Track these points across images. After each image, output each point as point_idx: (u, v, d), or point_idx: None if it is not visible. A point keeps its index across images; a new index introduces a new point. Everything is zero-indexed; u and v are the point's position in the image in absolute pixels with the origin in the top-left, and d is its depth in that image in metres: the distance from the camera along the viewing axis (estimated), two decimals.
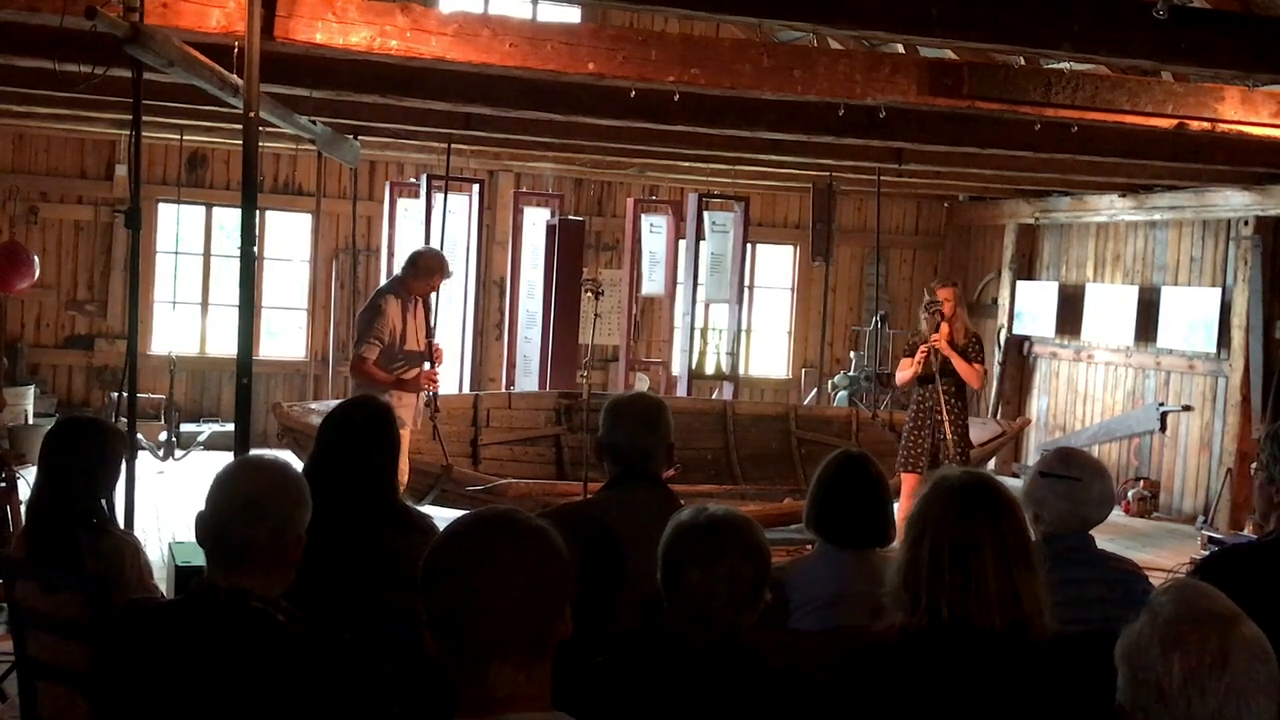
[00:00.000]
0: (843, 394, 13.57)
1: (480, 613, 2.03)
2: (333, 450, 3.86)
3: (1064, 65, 7.33)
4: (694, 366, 12.74)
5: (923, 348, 8.67)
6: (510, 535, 2.09)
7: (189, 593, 2.70)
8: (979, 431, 11.35)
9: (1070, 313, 13.55)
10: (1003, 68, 7.39)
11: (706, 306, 13.26)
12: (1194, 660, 1.96)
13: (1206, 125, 7.14)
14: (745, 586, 2.59)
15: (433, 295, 8.50)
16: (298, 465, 3.23)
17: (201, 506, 2.71)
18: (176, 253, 12.87)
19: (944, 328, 8.66)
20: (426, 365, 8.23)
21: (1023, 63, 8.04)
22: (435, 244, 10.27)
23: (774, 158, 10.63)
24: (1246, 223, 11.41)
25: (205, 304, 13.48)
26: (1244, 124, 7.18)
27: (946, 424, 8.61)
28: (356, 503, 3.75)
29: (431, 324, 8.42)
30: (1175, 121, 7.06)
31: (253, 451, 4.10)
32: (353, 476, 3.79)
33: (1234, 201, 11.28)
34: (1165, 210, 12.19)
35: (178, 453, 11.39)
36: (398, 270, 8.63)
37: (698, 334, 12.94)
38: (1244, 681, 1.94)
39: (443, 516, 7.81)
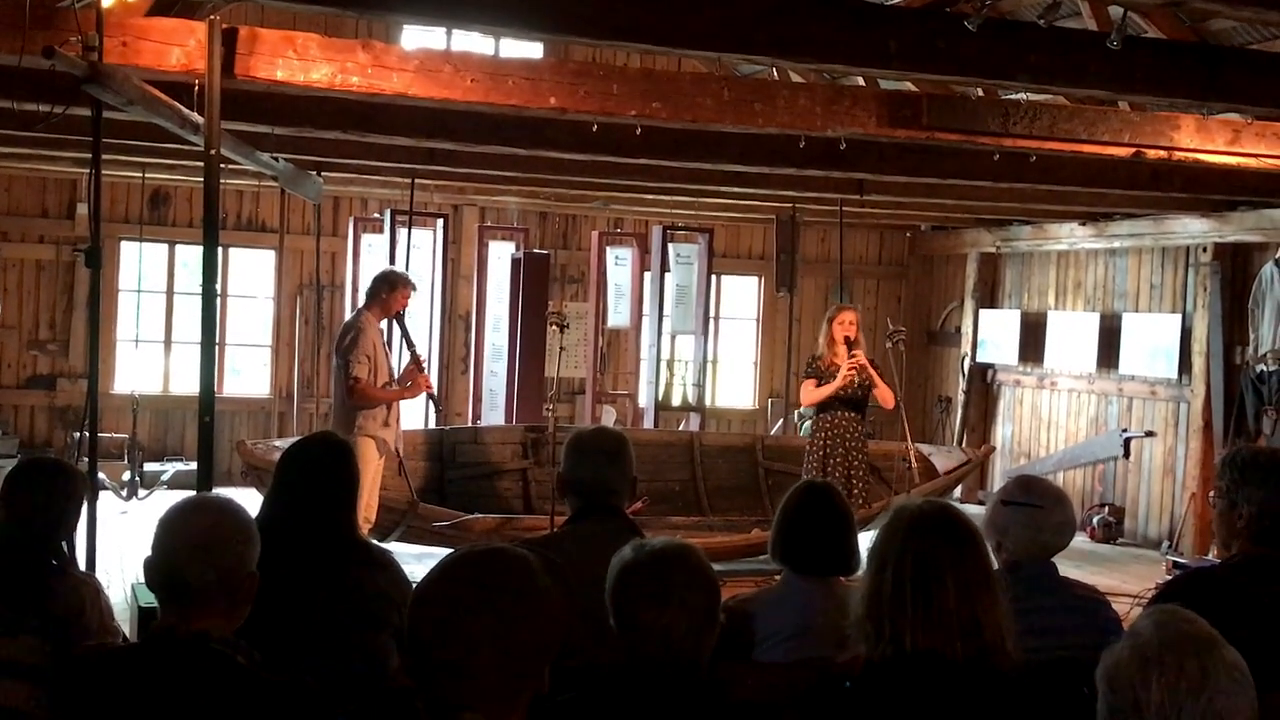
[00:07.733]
0: (808, 424, 13.55)
1: (460, 662, 2.03)
2: (291, 486, 3.84)
3: (1021, 96, 7.39)
4: (660, 398, 12.75)
5: (850, 366, 8.53)
6: (510, 594, 2.08)
7: (147, 636, 2.67)
8: (944, 459, 11.38)
9: (1033, 340, 13.64)
10: (961, 99, 7.46)
11: (672, 338, 13.27)
12: (1173, 682, 1.97)
13: (1163, 153, 7.19)
14: (700, 615, 2.60)
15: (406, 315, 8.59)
16: (254, 503, 3.20)
17: (149, 552, 2.69)
18: (139, 291, 12.78)
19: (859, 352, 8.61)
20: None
21: (981, 94, 8.10)
22: None
23: (737, 189, 10.68)
24: (1205, 249, 11.53)
25: (168, 342, 13.38)
26: (1200, 152, 7.23)
27: (861, 451, 8.63)
28: (316, 538, 3.73)
29: (413, 338, 8.56)
30: (1132, 150, 7.11)
31: (214, 490, 4.07)
32: (311, 512, 3.77)
33: (1192, 228, 11.38)
34: (1125, 238, 12.29)
35: (141, 492, 11.29)
36: (361, 302, 8.67)
37: (664, 365, 12.95)
38: (1222, 704, 1.96)
39: (407, 553, 7.78)
